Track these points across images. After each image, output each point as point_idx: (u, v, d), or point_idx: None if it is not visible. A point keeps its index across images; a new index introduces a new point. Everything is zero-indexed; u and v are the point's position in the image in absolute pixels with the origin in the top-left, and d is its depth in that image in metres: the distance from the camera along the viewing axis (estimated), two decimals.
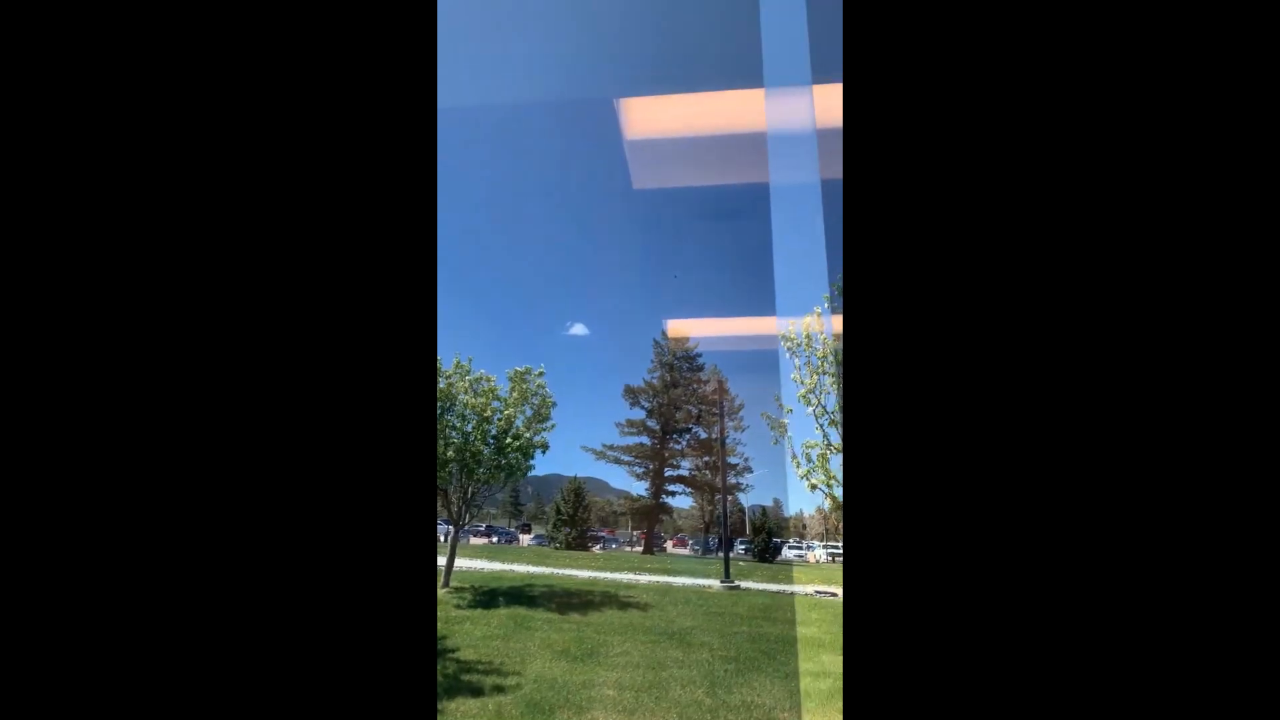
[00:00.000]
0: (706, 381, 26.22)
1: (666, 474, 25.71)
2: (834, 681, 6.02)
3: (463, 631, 7.57)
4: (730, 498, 24.78)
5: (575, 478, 24.80)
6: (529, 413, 11.04)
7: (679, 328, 26.80)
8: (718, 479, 23.61)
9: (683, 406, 25.90)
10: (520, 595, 10.67)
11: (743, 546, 24.23)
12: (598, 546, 25.84)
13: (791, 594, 12.44)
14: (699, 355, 26.62)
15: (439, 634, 7.24)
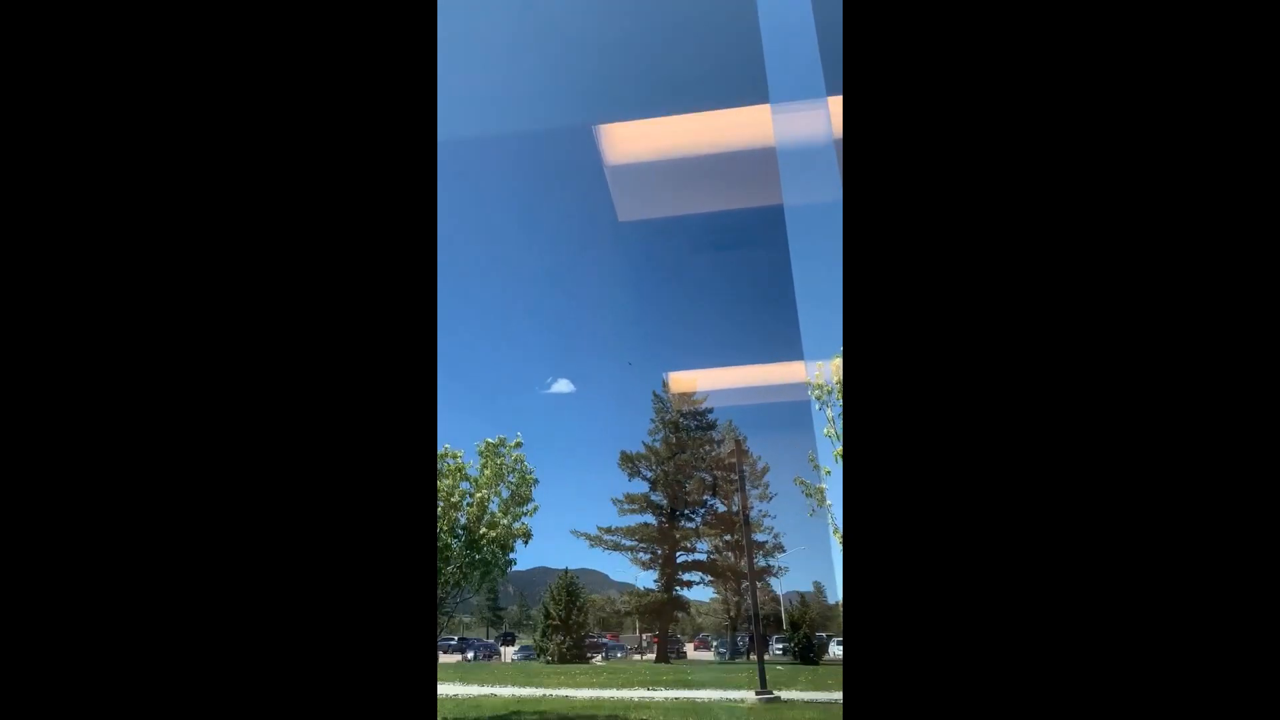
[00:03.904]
0: (721, 442, 26.02)
1: (679, 560, 25.12)
2: None
3: None
4: (760, 585, 24.20)
5: (566, 571, 24.30)
6: (505, 494, 10.88)
7: (683, 380, 26.75)
8: (743, 562, 23.11)
9: (694, 475, 25.57)
10: None
11: (780, 646, 23.53)
12: (599, 656, 25.04)
13: None
14: (709, 411, 26.50)
15: None
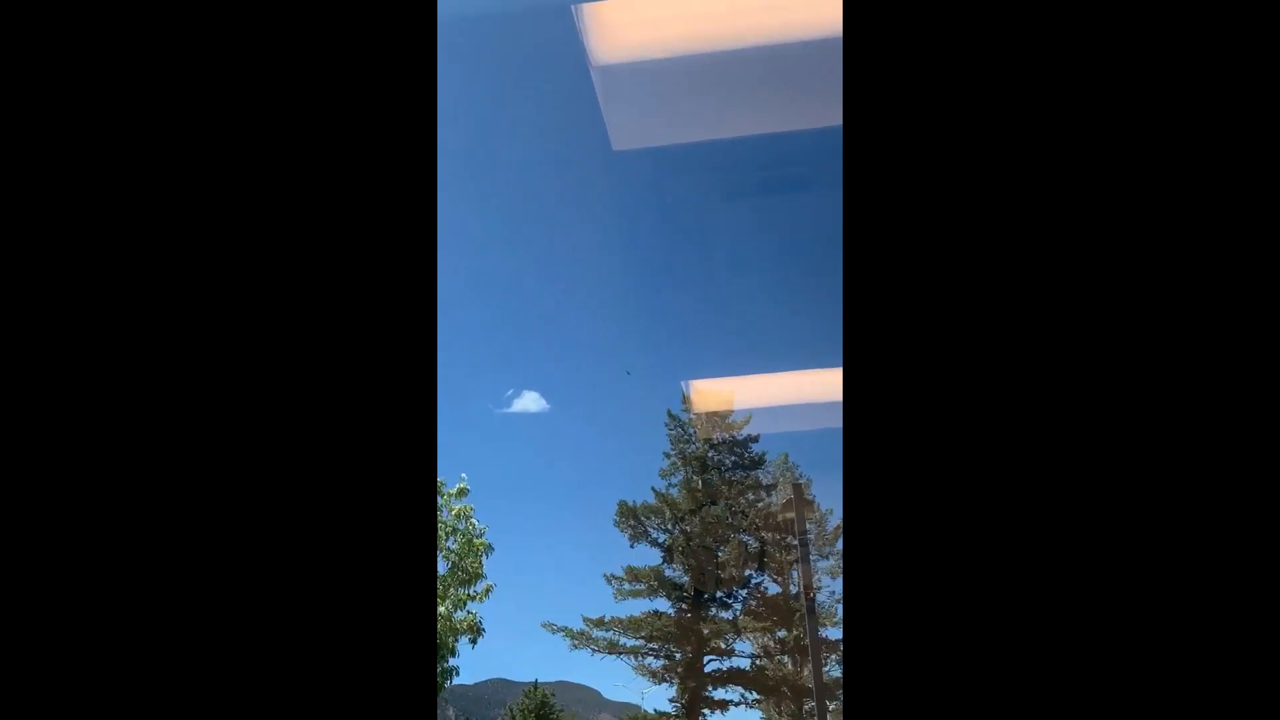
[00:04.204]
0: (772, 488, 25.93)
1: (708, 667, 25.03)
2: None
3: None
4: (832, 706, 23.89)
5: (536, 686, 24.31)
6: (443, 567, 10.79)
7: (711, 392, 26.10)
8: (806, 671, 22.92)
9: (731, 537, 25.46)
10: None
11: None
12: None
13: None
14: (753, 440, 26.31)
15: None
